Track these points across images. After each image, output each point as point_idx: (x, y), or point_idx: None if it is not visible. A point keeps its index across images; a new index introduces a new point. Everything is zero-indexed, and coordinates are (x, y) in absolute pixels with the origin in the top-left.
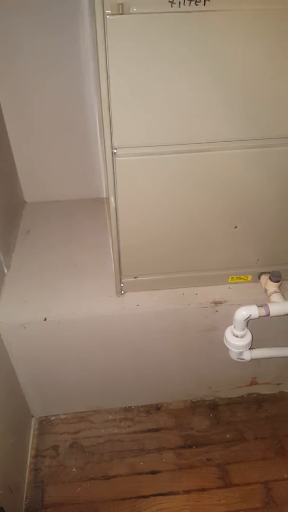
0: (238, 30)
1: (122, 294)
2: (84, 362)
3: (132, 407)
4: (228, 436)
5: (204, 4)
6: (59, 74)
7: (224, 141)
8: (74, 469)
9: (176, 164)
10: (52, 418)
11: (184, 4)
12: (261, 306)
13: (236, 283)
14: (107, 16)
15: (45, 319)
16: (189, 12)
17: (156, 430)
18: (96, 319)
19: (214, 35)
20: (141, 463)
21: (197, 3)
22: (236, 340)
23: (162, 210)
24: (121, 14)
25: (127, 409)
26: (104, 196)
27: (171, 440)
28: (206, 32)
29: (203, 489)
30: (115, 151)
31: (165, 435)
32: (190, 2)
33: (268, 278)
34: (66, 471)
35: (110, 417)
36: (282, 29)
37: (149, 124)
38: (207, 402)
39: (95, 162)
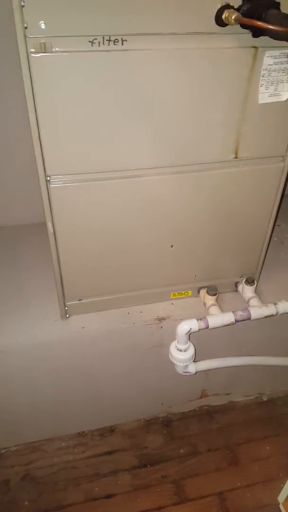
0: (156, 67)
1: (67, 317)
2: (32, 390)
3: (86, 431)
4: (182, 451)
5: (122, 44)
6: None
7: (151, 168)
8: (26, 503)
9: (109, 189)
10: (2, 451)
11: (103, 44)
12: (201, 319)
13: (178, 298)
14: (31, 54)
15: None
16: (108, 51)
17: (110, 452)
18: (41, 345)
19: (132, 72)
20: (96, 488)
21: (115, 43)
22: (180, 354)
23: (99, 233)
24: (44, 52)
25: (81, 434)
26: None
27: (126, 461)
28: (125, 69)
29: (159, 508)
30: (48, 178)
31: (120, 457)
32: (109, 42)
33: (206, 292)
34: (18, 505)
35: (63, 444)
36: (196, 66)
37: (79, 153)
38: (161, 419)
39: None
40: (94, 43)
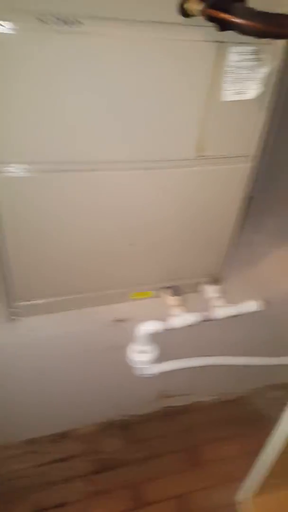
0: (113, 55)
1: (15, 319)
2: None
3: (37, 438)
4: (140, 454)
5: (77, 26)
6: None
7: (109, 162)
8: None
9: (64, 182)
10: None
11: (55, 24)
12: (161, 321)
13: (138, 299)
14: None
15: None
16: (60, 32)
17: (63, 459)
18: None
19: (87, 57)
20: (47, 498)
21: (69, 24)
22: (139, 356)
23: (53, 229)
24: None
25: (31, 441)
26: None
27: (80, 468)
28: (79, 54)
29: None
30: None
31: (73, 463)
32: (61, 22)
33: (168, 292)
34: None
35: (12, 452)
36: (157, 58)
37: (28, 141)
38: (118, 421)
39: None
40: (45, 22)
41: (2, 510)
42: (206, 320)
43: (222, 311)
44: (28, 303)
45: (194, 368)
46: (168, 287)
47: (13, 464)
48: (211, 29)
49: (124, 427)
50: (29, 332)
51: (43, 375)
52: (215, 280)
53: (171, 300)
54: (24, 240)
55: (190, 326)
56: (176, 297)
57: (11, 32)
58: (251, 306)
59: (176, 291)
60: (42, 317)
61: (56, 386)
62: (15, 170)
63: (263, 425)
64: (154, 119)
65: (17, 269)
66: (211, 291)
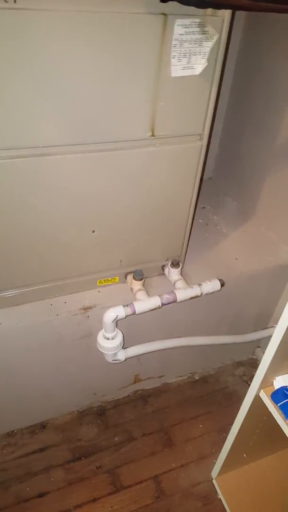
0: (55, 32)
1: None
2: None
3: (15, 430)
4: (116, 439)
5: (15, 1)
6: None
7: (62, 145)
8: None
9: (18, 169)
10: None
11: None
12: (127, 306)
13: (105, 286)
14: None
15: None
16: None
17: (42, 449)
18: None
19: (28, 35)
20: (28, 488)
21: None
22: (108, 343)
23: (14, 218)
24: None
25: (10, 434)
26: None
27: (59, 457)
28: (20, 31)
29: (95, 500)
30: None
31: (52, 453)
32: None
33: (132, 277)
34: None
35: None
36: (101, 33)
37: None
38: (94, 408)
39: None
40: None
41: None
42: (169, 303)
43: (183, 293)
44: None
45: (163, 350)
46: (132, 272)
47: None
48: (154, 1)
49: (100, 414)
50: None
51: (16, 368)
52: (176, 262)
53: (136, 284)
54: None
55: (155, 309)
56: (140, 281)
57: None
58: (212, 286)
59: (139, 275)
60: (11, 309)
61: (30, 377)
62: None
63: (232, 402)
64: (104, 99)
65: None
66: (173, 273)
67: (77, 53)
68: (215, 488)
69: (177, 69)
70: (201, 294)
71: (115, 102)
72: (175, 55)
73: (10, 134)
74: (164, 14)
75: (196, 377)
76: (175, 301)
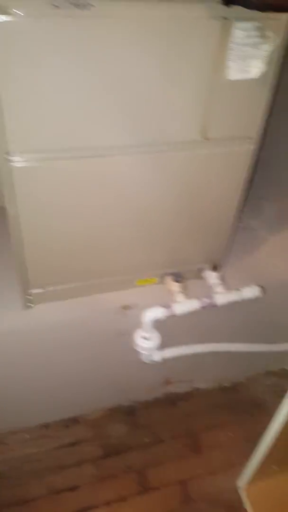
0: (121, 36)
1: (30, 306)
2: None
3: (50, 423)
4: (146, 439)
5: (89, 9)
6: None
7: (117, 146)
8: None
9: (73, 169)
10: None
11: (67, 8)
12: (166, 307)
13: (144, 286)
14: None
15: None
16: (72, 16)
17: (74, 443)
18: (2, 335)
19: (97, 40)
20: (60, 481)
21: (80, 8)
22: (146, 343)
23: (63, 216)
24: (2, 14)
25: (45, 426)
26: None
27: (90, 452)
28: (90, 37)
29: (123, 498)
30: (10, 157)
31: (84, 448)
32: (73, 6)
33: (171, 279)
34: None
35: (26, 436)
36: (162, 36)
37: (42, 128)
38: (124, 407)
39: None
40: (58, 6)
41: (18, 491)
42: (208, 307)
43: (223, 297)
44: (41, 290)
45: (196, 354)
46: (172, 274)
47: (28, 447)
48: (216, 5)
49: (130, 413)
50: (42, 319)
51: (55, 361)
52: (216, 266)
53: (174, 286)
54: (37, 229)
55: (192, 312)
56: (179, 283)
57: (24, 18)
58: (252, 292)
59: (179, 277)
60: (54, 303)
61: (67, 372)
62: (24, 159)
63: (261, 412)
64: (158, 100)
65: (31, 257)
66: (212, 277)
67: (140, 57)
68: (241, 497)
69: (233, 72)
70: (241, 299)
71: (171, 104)
72: (231, 58)
73: (72, 134)
74: (225, 18)
75: (226, 384)
76: (214, 305)
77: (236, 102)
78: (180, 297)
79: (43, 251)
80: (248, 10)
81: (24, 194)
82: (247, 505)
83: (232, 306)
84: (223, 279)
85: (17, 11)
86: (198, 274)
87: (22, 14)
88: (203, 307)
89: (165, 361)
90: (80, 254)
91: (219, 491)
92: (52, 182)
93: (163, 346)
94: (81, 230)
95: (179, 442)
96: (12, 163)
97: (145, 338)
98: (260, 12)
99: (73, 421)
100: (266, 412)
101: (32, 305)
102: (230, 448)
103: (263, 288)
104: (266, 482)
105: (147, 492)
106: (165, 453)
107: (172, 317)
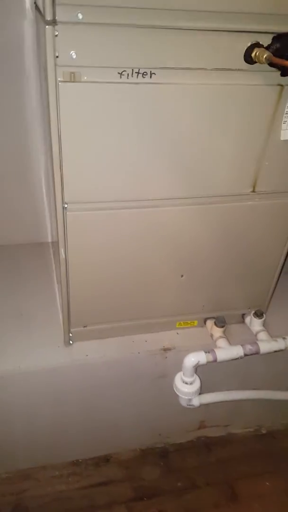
0: (181, 101)
1: (70, 344)
2: (29, 417)
3: (80, 460)
4: (179, 484)
5: (151, 77)
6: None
7: (168, 199)
8: None
9: (125, 218)
10: None
11: (132, 76)
12: (209, 352)
13: (184, 328)
14: (59, 83)
15: None
16: (137, 83)
17: (106, 483)
18: (43, 371)
19: (159, 104)
20: None
21: (144, 76)
22: (186, 387)
23: (112, 261)
24: (73, 81)
25: (75, 463)
26: (50, 240)
27: (122, 493)
28: (152, 101)
29: None
30: (65, 205)
31: (115, 488)
32: (138, 75)
33: (213, 323)
34: None
35: (57, 472)
36: (221, 102)
37: (99, 182)
38: (157, 449)
39: (38, 207)
40: (123, 75)
41: None
42: (251, 354)
43: (267, 345)
44: (83, 329)
45: (233, 400)
46: (213, 318)
47: (59, 484)
48: (273, 73)
49: (163, 455)
50: (81, 356)
51: (91, 398)
52: (260, 313)
53: (217, 331)
54: (84, 271)
55: (237, 359)
56: (221, 328)
57: (93, 85)
58: None
59: (221, 322)
60: (95, 342)
61: (102, 409)
62: (78, 208)
63: None
64: (214, 158)
65: (76, 298)
66: (255, 323)
67: (198, 118)
68: None
69: (287, 133)
70: (286, 348)
71: (224, 161)
72: (286, 121)
73: (127, 188)
74: (281, 85)
75: (264, 431)
76: (257, 352)
77: (287, 160)
78: (222, 343)
79: (88, 291)
80: None
81: (75, 239)
82: None
83: (274, 353)
84: (266, 326)
85: (87, 78)
86: (239, 319)
87: (90, 81)
88: (247, 355)
89: (202, 405)
90: (122, 296)
91: None
92: (103, 229)
93: (203, 390)
94: (126, 273)
95: (215, 489)
96: (67, 211)
97: (185, 382)
98: None
99: (105, 460)
100: None
101: (72, 342)
102: (269, 499)
103: None
104: None
105: None
106: (200, 500)
107: (212, 362)
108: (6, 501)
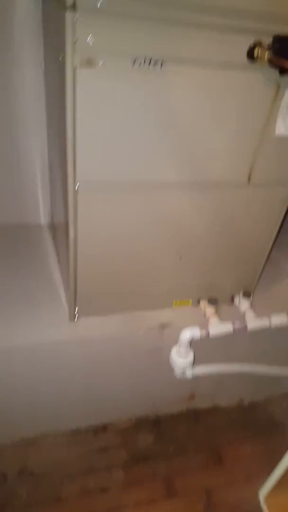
0: (188, 89)
1: (75, 319)
2: (33, 387)
3: (80, 428)
4: (171, 449)
5: (161, 66)
6: None
7: (170, 182)
8: (24, 495)
9: (131, 199)
10: None
11: (144, 64)
12: (203, 328)
13: (179, 306)
14: (77, 69)
15: None
16: (147, 71)
17: (104, 449)
18: (49, 344)
19: (166, 92)
20: (91, 482)
21: (155, 65)
22: (181, 360)
23: (116, 240)
24: (89, 67)
25: (75, 431)
26: (43, 221)
27: (119, 458)
28: (160, 89)
29: (151, 501)
30: (77, 185)
31: (113, 453)
32: (149, 63)
33: (206, 302)
34: (16, 497)
35: (59, 440)
36: (223, 94)
37: (109, 162)
38: (151, 418)
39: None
40: (136, 62)
41: (52, 490)
42: (240, 330)
43: (254, 323)
44: (88, 305)
45: (222, 373)
46: (205, 297)
47: (59, 451)
48: (272, 72)
49: (156, 424)
50: (86, 331)
51: (92, 371)
52: (248, 293)
53: (209, 309)
54: (91, 248)
55: (226, 334)
56: (213, 307)
57: (108, 71)
58: (280, 319)
59: (214, 301)
60: (98, 318)
61: (102, 381)
62: (90, 188)
63: (278, 430)
64: (214, 146)
65: (82, 274)
66: (243, 303)
67: (200, 108)
68: (262, 508)
69: (281, 129)
70: (270, 326)
71: (223, 149)
72: (281, 117)
73: (134, 169)
74: (278, 84)
75: (245, 403)
76: (245, 329)
77: (281, 154)
78: (214, 320)
79: (92, 270)
80: None
81: (85, 219)
82: None
83: (260, 331)
84: (253, 306)
85: (103, 66)
86: (228, 300)
87: (106, 67)
88: (236, 330)
89: (193, 377)
90: (125, 275)
91: (241, 501)
92: (110, 209)
93: (195, 363)
94: (131, 254)
95: (203, 453)
96: (78, 192)
97: (181, 356)
98: None
99: (102, 429)
100: (282, 430)
101: (77, 317)
102: (250, 461)
103: None
104: (286, 494)
105: (173, 497)
106: (190, 462)
107: (205, 337)
108: (12, 465)
